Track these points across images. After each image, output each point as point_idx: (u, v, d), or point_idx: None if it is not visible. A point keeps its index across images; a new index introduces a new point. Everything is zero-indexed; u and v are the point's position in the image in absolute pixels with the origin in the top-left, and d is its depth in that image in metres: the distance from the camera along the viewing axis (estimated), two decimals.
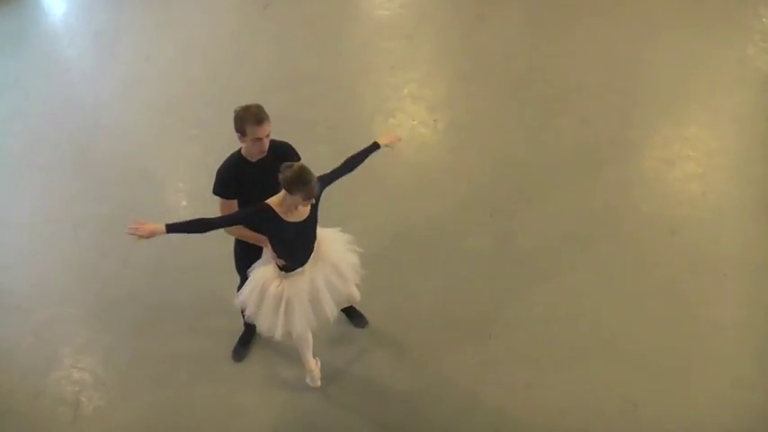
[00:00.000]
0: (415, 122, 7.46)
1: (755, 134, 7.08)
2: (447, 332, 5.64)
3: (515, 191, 6.61)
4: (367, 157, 4.74)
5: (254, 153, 4.54)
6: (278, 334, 4.71)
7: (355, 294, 5.13)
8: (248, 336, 5.59)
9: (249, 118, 4.38)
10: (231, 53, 8.57)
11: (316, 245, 4.67)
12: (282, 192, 4.27)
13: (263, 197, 4.36)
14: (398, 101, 7.69)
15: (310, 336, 5.03)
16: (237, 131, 4.46)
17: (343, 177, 4.61)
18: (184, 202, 6.84)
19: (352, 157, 4.68)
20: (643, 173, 6.74)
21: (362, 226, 6.06)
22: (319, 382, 5.26)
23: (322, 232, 4.71)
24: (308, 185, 4.16)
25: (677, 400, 5.10)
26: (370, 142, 4.81)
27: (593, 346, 5.46)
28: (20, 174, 7.38)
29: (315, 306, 4.74)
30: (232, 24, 9.07)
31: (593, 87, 7.59)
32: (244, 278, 4.89)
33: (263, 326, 4.76)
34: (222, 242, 5.07)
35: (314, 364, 5.22)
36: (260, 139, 4.43)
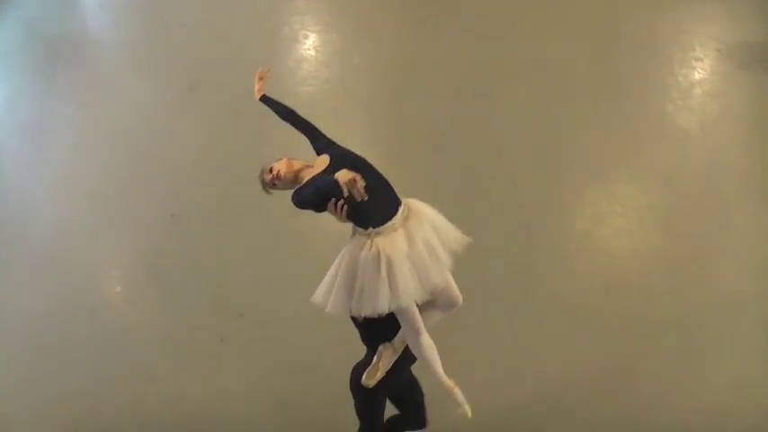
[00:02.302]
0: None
1: (680, 189, 7.18)
2: None
3: None
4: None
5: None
6: (384, 306, 3.87)
7: (454, 293, 4.28)
8: None
9: None
10: (159, 137, 8.45)
11: (406, 203, 4.07)
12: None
13: None
14: None
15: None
16: None
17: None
18: (118, 288, 6.65)
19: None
20: (573, 231, 6.75)
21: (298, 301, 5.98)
22: (469, 410, 4.38)
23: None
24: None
25: None
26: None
27: (540, 402, 5.35)
28: None
29: (417, 271, 3.93)
30: (159, 108, 8.98)
31: (518, 149, 7.65)
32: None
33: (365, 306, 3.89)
34: None
35: (451, 381, 4.34)
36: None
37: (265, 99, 4.65)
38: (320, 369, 5.75)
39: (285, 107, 4.60)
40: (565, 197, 7.09)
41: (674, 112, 8.13)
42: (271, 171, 4.30)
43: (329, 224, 6.95)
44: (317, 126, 4.52)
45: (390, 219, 3.94)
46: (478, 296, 6.08)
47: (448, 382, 4.32)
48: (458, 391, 4.34)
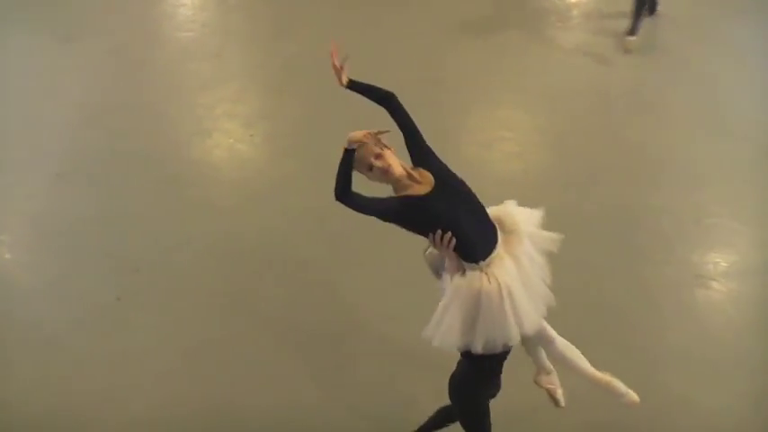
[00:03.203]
0: (231, 140, 7.29)
1: (566, 110, 7.37)
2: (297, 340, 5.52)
3: None
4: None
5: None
6: (516, 338, 3.64)
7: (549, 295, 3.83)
8: None
9: None
10: (36, 91, 8.08)
11: (496, 220, 3.75)
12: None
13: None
14: (213, 120, 7.48)
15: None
16: None
17: None
18: (7, 255, 6.38)
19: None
20: (463, 158, 6.84)
21: (193, 250, 5.88)
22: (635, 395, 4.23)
23: (496, 208, 3.85)
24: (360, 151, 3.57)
25: None
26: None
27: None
28: None
29: (529, 292, 3.70)
30: (34, 62, 8.56)
31: (405, 81, 7.65)
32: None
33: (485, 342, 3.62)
34: None
35: (606, 374, 4.19)
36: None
37: (353, 84, 3.79)
38: (223, 316, 5.72)
39: (381, 90, 3.78)
40: (452, 124, 7.16)
41: (553, 34, 8.32)
42: (379, 157, 3.61)
43: (218, 172, 6.92)
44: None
45: (494, 247, 3.65)
46: (380, 230, 6.15)
47: (602, 376, 4.17)
48: (617, 382, 4.21)
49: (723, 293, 5.90)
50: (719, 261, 6.12)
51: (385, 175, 3.60)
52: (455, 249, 3.58)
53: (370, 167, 3.60)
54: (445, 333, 3.62)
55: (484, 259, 3.60)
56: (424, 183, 3.62)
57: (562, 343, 4.11)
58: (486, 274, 3.57)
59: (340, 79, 3.80)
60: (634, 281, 5.92)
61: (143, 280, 5.94)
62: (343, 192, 3.60)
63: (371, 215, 3.61)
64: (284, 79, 7.98)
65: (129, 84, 8.00)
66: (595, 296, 5.77)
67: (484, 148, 6.94)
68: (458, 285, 3.62)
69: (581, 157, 6.90)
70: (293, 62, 8.13)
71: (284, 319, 5.70)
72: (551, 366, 4.38)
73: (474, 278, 3.59)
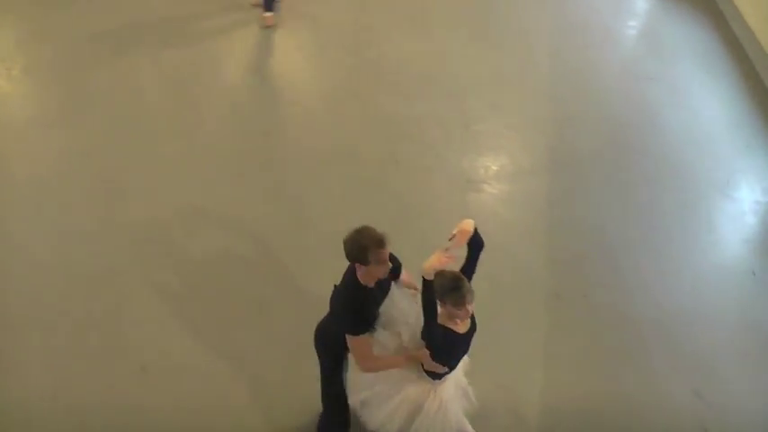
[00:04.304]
0: None
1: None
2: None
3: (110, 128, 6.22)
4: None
5: (379, 275, 3.91)
6: None
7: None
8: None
9: (370, 243, 3.76)
10: None
11: None
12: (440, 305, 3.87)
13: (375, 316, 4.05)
14: None
15: None
16: (357, 261, 3.81)
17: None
18: None
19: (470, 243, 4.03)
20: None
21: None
22: None
23: None
24: (458, 292, 3.73)
25: None
26: None
27: None
28: None
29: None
30: None
31: None
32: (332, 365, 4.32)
33: None
34: None
35: None
36: (385, 261, 3.84)
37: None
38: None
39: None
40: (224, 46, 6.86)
41: None
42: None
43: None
44: None
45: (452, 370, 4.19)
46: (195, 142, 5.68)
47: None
48: None
49: (493, 195, 5.97)
50: (490, 165, 6.19)
51: (465, 317, 3.90)
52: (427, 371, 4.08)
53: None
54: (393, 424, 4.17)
55: (438, 379, 4.14)
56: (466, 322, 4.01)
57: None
58: (435, 390, 4.14)
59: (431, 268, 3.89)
60: (406, 189, 5.89)
61: None
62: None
63: (427, 327, 3.92)
64: (41, 13, 7.20)
65: None
66: (368, 206, 5.76)
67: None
68: (415, 393, 4.14)
69: (348, 73, 6.79)
70: None
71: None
72: None
73: (426, 392, 4.14)
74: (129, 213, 5.61)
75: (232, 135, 6.20)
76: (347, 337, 3.92)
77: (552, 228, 5.84)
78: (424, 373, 4.13)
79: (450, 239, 3.86)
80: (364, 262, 3.78)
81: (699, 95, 7.00)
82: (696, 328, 5.41)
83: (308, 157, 6.07)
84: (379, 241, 3.76)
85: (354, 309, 3.91)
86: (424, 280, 3.80)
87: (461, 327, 3.96)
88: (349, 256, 3.81)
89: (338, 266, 3.93)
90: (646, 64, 7.26)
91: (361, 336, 3.93)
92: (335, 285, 4.06)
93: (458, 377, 4.31)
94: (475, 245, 3.97)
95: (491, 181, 6.07)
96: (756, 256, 5.87)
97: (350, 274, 3.91)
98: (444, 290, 3.76)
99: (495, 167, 6.19)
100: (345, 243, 3.79)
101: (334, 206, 5.74)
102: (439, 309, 3.87)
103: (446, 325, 3.92)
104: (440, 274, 3.79)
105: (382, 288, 4.01)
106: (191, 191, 5.78)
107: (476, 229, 3.91)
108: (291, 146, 6.17)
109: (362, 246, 3.75)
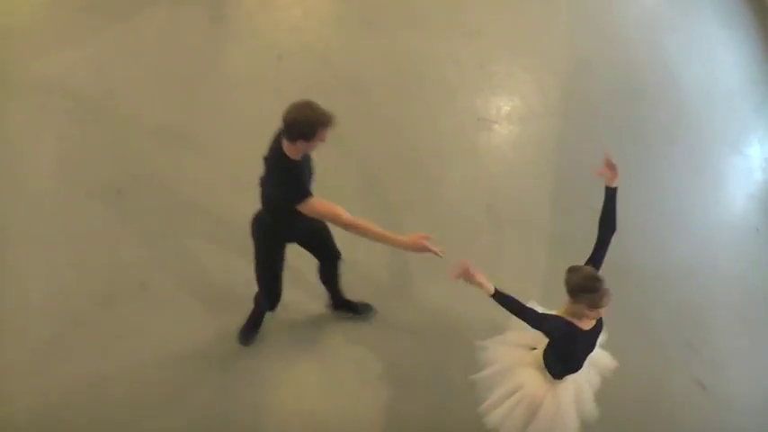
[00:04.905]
0: None
1: None
2: None
3: None
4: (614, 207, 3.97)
5: (309, 151, 3.90)
6: None
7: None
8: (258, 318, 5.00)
9: (323, 120, 3.71)
10: None
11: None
12: (567, 298, 3.71)
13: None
14: None
15: None
16: (300, 137, 3.73)
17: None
18: None
19: (603, 218, 3.96)
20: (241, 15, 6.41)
21: None
22: None
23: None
24: (596, 294, 3.61)
25: None
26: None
27: None
28: None
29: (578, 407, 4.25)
30: None
31: None
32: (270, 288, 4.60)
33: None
34: None
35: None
36: (324, 140, 3.82)
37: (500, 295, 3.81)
38: None
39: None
40: None
41: None
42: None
43: None
44: None
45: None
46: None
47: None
48: None
49: (503, 136, 5.94)
50: (502, 105, 6.14)
51: (595, 317, 3.77)
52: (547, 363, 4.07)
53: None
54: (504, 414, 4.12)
55: (558, 379, 4.07)
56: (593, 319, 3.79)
57: None
58: (553, 390, 4.07)
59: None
60: (421, 127, 5.87)
61: None
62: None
63: (539, 323, 3.81)
64: None
65: None
66: (387, 144, 5.72)
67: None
68: (531, 385, 4.09)
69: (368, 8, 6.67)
70: None
71: None
72: None
73: (544, 390, 4.06)
74: None
75: (245, 59, 6.16)
76: (305, 206, 3.85)
77: (559, 172, 5.82)
78: (545, 368, 4.09)
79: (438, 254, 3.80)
80: (309, 138, 3.73)
81: (717, 49, 6.88)
82: (696, 280, 5.45)
83: (314, 88, 6.04)
84: (330, 120, 3.72)
85: (296, 177, 3.88)
86: (495, 294, 3.75)
87: (586, 323, 3.77)
88: (292, 129, 3.71)
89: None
90: (666, 13, 7.12)
91: (314, 197, 3.86)
92: (261, 177, 4.03)
93: (580, 381, 4.18)
94: (607, 227, 3.90)
95: (502, 122, 6.03)
96: (762, 213, 5.89)
97: (277, 153, 3.85)
98: (580, 289, 3.63)
99: (507, 108, 6.14)
100: (292, 116, 3.69)
101: (340, 141, 5.73)
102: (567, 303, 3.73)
103: (569, 320, 3.76)
104: (575, 270, 3.67)
105: (306, 160, 3.96)
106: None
107: (612, 199, 3.92)
108: (302, 75, 6.12)
109: (313, 122, 3.70)
